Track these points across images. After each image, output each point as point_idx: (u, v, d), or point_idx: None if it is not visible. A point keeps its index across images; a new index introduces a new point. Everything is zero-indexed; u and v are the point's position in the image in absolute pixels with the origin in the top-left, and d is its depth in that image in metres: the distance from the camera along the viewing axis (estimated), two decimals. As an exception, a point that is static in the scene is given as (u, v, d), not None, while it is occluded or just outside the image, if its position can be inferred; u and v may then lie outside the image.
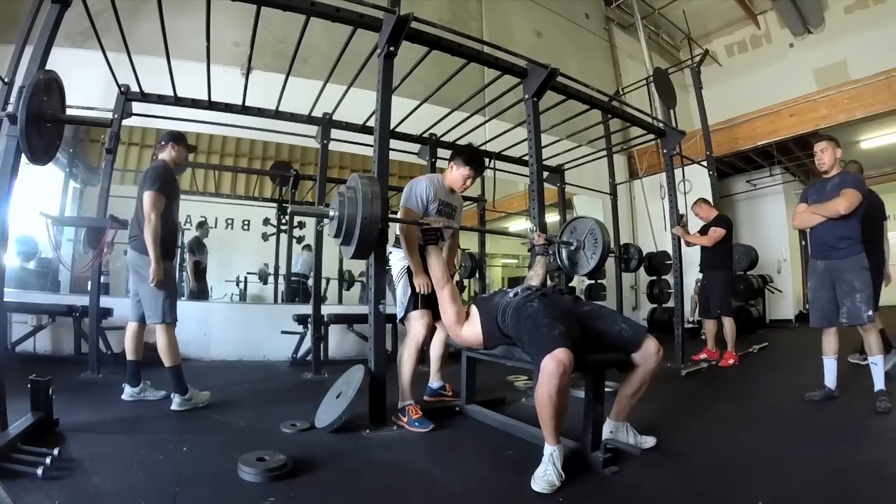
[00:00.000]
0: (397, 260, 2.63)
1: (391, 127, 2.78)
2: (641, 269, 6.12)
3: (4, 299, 2.01)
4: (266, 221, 6.47)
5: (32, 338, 3.79)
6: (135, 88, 3.53)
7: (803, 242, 7.54)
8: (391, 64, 2.64)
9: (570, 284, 5.17)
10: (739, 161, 7.78)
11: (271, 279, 6.31)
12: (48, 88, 1.97)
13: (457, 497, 1.65)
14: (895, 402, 2.59)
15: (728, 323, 4.32)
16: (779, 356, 4.71)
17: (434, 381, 2.86)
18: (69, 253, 4.37)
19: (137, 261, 2.69)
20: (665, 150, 4.64)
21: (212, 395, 2.78)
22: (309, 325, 4.07)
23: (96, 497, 1.52)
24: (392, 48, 2.58)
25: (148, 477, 1.67)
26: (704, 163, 5.65)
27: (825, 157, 2.86)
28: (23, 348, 3.75)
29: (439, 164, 4.29)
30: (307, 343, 4.13)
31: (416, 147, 4.54)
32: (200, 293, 5.92)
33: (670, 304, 5.83)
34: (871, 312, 2.67)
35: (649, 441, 2.07)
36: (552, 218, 5.03)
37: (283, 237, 6.08)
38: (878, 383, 2.69)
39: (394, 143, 2.92)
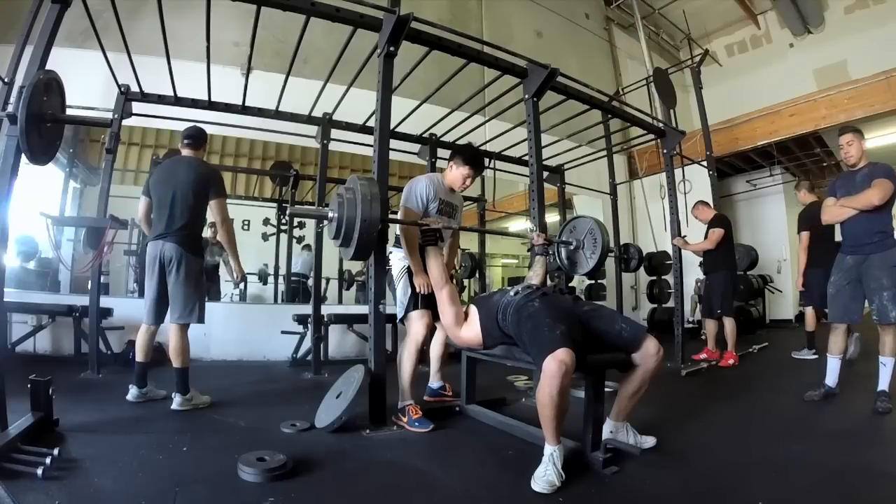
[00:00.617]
0: (397, 260, 2.63)
1: (391, 127, 2.78)
2: (641, 269, 6.11)
3: (4, 299, 2.01)
4: (266, 221, 6.46)
5: (32, 338, 3.78)
6: (135, 88, 3.53)
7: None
8: (391, 64, 2.64)
9: (571, 284, 5.17)
10: (739, 161, 7.77)
11: (271, 279, 6.30)
12: (48, 88, 1.97)
13: (457, 497, 1.65)
14: (896, 403, 2.58)
15: (729, 323, 4.33)
16: (779, 356, 4.71)
17: (434, 381, 2.86)
18: (69, 253, 4.37)
19: (181, 257, 2.64)
20: (665, 150, 4.64)
21: (212, 398, 2.76)
22: (309, 325, 4.07)
23: (96, 497, 1.52)
24: (392, 48, 2.58)
25: (148, 477, 1.67)
26: (704, 163, 5.64)
27: (852, 149, 2.76)
28: (23, 348, 3.74)
29: (439, 164, 4.29)
30: (307, 343, 4.12)
31: (416, 147, 4.53)
32: (214, 294, 5.88)
33: (670, 304, 5.82)
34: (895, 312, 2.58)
35: (649, 441, 2.07)
36: (552, 218, 5.03)
37: (283, 237, 6.07)
38: (883, 384, 2.64)
39: (394, 143, 2.92)
